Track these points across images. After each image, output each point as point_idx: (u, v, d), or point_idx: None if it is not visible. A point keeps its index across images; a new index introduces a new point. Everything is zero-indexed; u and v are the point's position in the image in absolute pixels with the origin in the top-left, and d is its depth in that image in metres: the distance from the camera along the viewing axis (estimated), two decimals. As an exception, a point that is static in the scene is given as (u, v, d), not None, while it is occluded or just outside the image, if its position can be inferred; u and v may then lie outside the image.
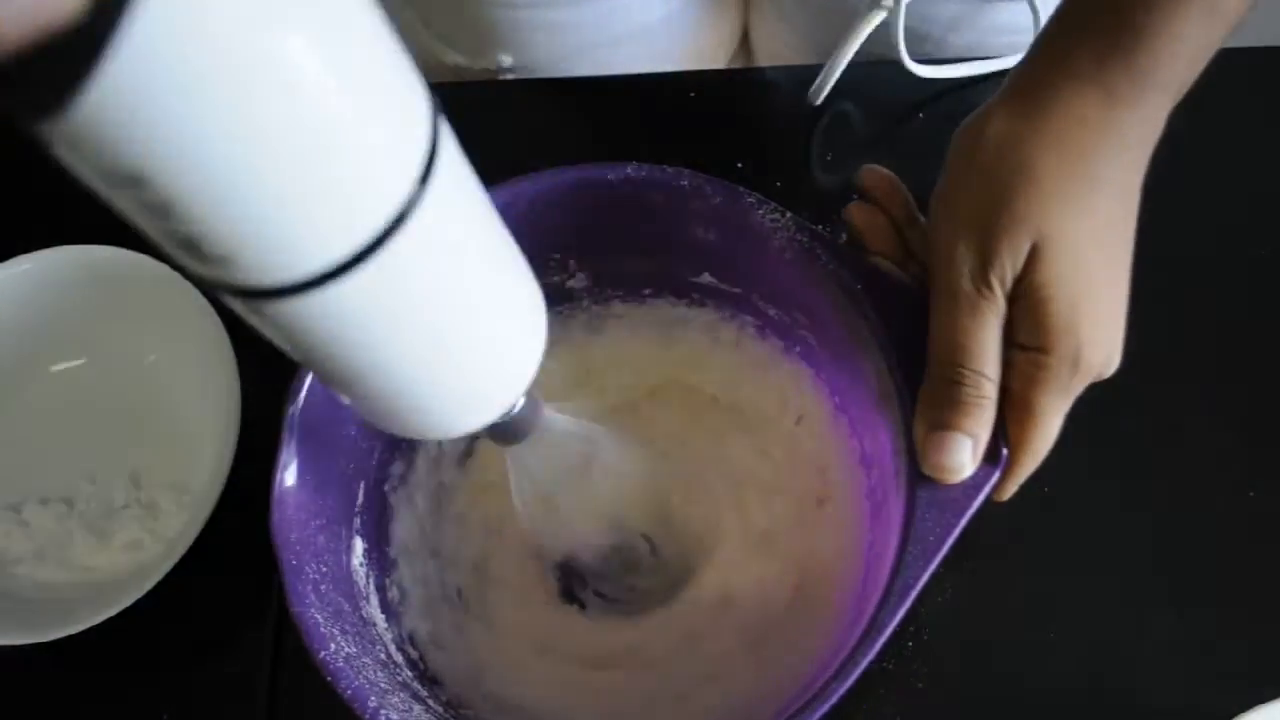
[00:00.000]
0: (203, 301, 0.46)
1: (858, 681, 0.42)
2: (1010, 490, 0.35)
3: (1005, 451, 0.35)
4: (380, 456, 0.42)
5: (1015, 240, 0.32)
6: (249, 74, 0.16)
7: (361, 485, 0.41)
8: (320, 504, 0.37)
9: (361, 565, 0.40)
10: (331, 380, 0.25)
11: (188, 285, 0.46)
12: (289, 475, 0.35)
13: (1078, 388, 0.33)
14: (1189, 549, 0.45)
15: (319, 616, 0.33)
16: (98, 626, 0.41)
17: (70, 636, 0.41)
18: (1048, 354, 0.32)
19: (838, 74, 0.52)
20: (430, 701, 0.37)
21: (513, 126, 0.54)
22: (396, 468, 0.43)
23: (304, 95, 0.17)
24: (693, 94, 0.55)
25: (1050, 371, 0.32)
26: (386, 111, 0.19)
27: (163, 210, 0.17)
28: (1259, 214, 0.52)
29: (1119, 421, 0.47)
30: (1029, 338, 0.32)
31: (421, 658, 0.40)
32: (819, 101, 0.53)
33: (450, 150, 0.21)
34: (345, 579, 0.37)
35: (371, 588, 0.40)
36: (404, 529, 0.43)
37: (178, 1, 0.15)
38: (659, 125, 0.54)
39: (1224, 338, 0.49)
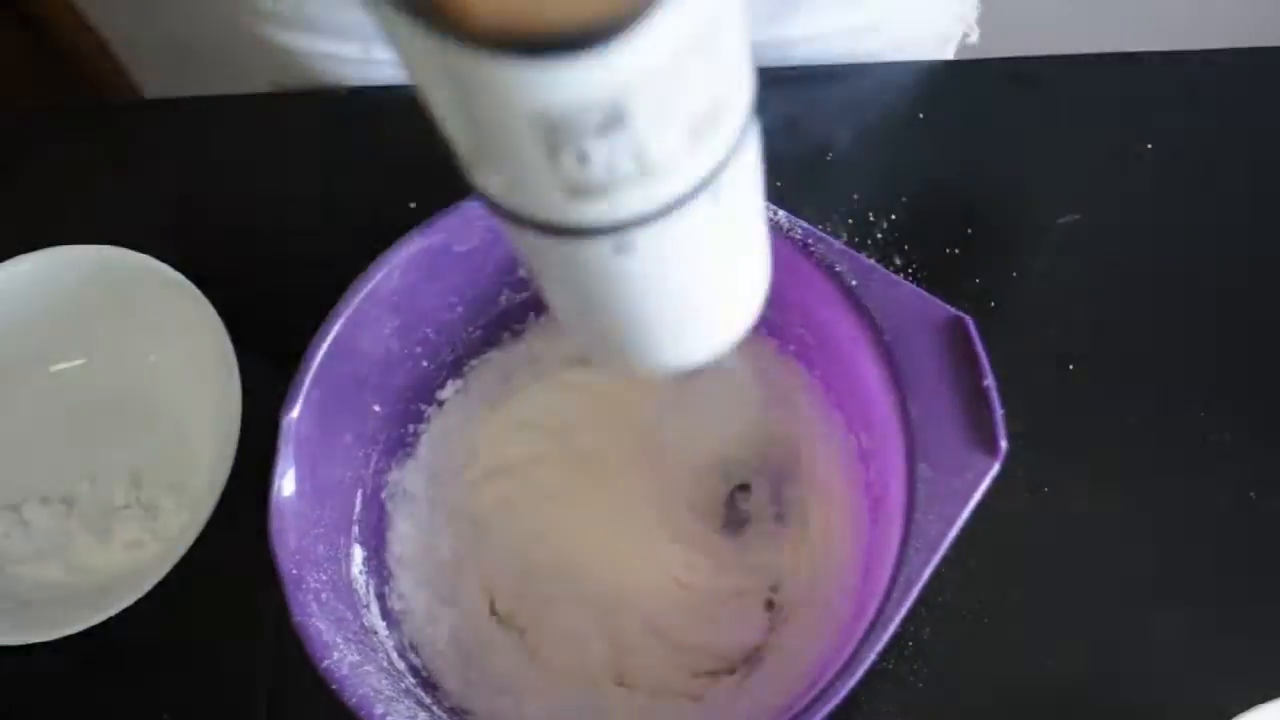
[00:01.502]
0: (204, 302, 0.46)
1: (860, 680, 0.42)
2: None
3: (1004, 444, 0.34)
4: (377, 464, 0.42)
5: None
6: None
7: (359, 494, 0.41)
8: (318, 513, 0.37)
9: (361, 574, 0.40)
10: (607, 318, 0.25)
11: (189, 285, 0.46)
12: (286, 484, 0.35)
13: None
14: (1189, 549, 0.45)
15: (321, 625, 0.33)
16: (97, 626, 0.41)
17: (70, 636, 0.41)
18: None
19: None
20: (434, 708, 0.37)
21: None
22: (394, 475, 0.43)
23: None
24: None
25: None
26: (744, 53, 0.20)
27: (635, 134, 0.18)
28: (1259, 214, 0.52)
29: (1119, 421, 0.47)
30: None
31: (424, 665, 0.40)
32: None
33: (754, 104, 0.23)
34: (346, 587, 0.37)
35: (371, 595, 0.40)
36: (402, 537, 0.43)
37: None
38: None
39: (1224, 338, 0.49)
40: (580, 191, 0.19)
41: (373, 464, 0.42)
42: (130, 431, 0.49)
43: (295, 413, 0.36)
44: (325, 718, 0.43)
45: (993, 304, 0.48)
